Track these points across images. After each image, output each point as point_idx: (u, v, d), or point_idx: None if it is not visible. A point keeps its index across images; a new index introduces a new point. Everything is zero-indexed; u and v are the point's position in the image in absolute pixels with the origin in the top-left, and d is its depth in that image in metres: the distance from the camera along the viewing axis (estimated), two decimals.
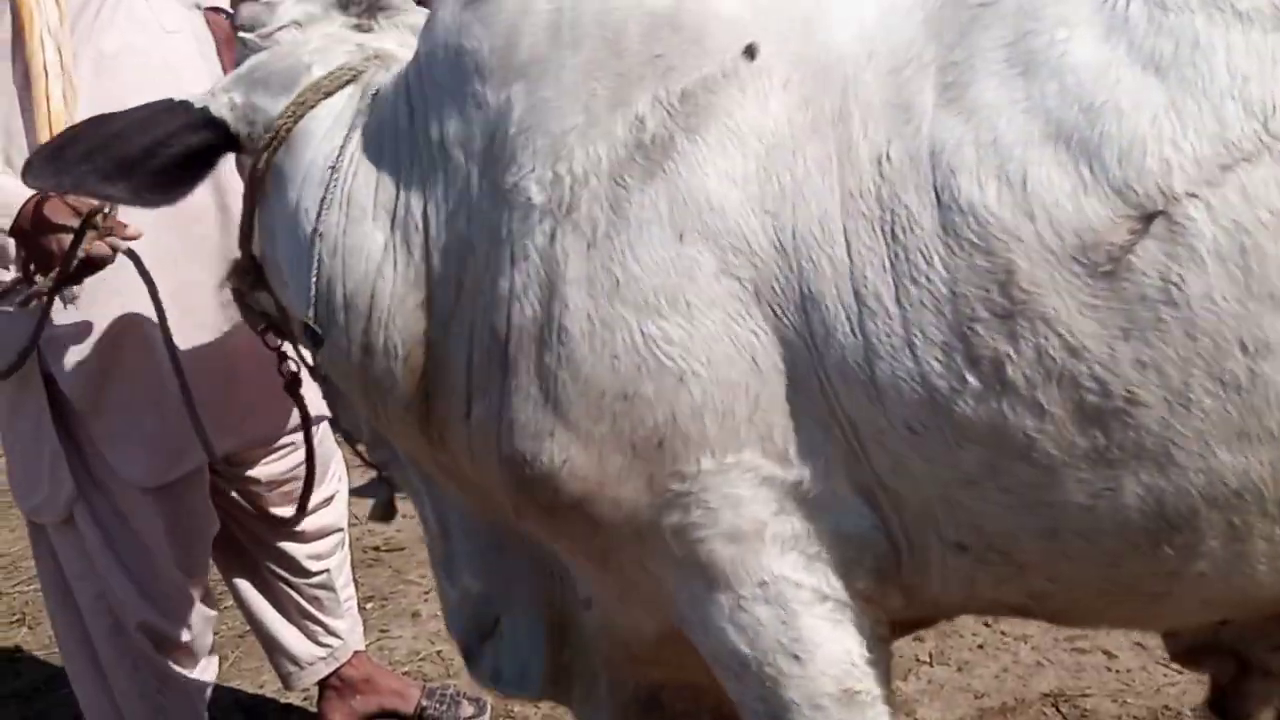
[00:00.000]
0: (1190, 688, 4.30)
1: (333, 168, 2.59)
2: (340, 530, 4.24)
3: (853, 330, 2.20)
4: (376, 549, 5.77)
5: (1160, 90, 2.08)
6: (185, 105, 2.76)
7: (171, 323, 3.35)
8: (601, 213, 2.31)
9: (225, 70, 3.55)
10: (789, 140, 2.26)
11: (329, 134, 2.65)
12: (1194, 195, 2.05)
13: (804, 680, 2.36)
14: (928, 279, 2.15)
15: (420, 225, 2.51)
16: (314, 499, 3.79)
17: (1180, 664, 2.65)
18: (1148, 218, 2.06)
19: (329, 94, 2.69)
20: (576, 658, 2.80)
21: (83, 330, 3.47)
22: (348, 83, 2.71)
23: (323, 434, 3.96)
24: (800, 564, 2.34)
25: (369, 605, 5.29)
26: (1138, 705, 4.32)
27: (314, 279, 2.57)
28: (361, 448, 3.03)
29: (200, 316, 3.52)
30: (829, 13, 2.33)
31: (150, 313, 3.34)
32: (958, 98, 2.18)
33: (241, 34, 2.87)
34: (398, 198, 2.55)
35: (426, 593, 5.33)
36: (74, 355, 3.48)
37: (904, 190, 2.17)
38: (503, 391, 2.40)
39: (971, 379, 2.15)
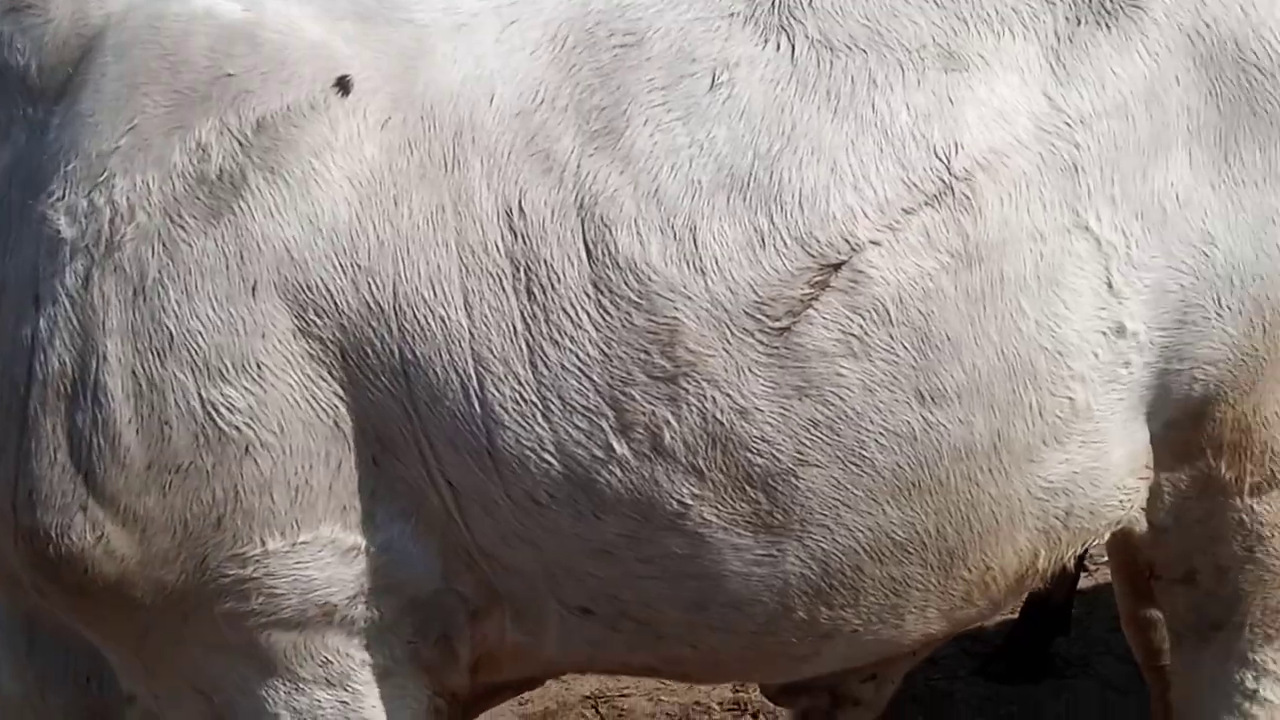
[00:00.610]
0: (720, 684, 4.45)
1: None
2: None
3: (467, 397, 2.01)
4: None
5: (839, 132, 2.04)
6: None
7: None
8: (152, 255, 1.98)
9: None
10: (389, 187, 2.02)
11: None
12: (877, 243, 2.01)
13: None
14: (573, 341, 2.00)
15: None
16: None
17: (775, 702, 2.68)
18: (831, 268, 2.01)
19: None
20: None
21: None
22: None
23: None
24: (366, 642, 2.15)
25: None
26: (671, 703, 4.42)
27: None
28: None
29: None
30: (434, 50, 2.10)
31: None
32: (608, 145, 2.03)
33: None
34: None
35: None
36: None
37: (543, 245, 2.00)
38: (20, 454, 2.03)
39: (620, 447, 2.02)
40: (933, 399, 2.05)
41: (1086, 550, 2.61)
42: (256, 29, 2.06)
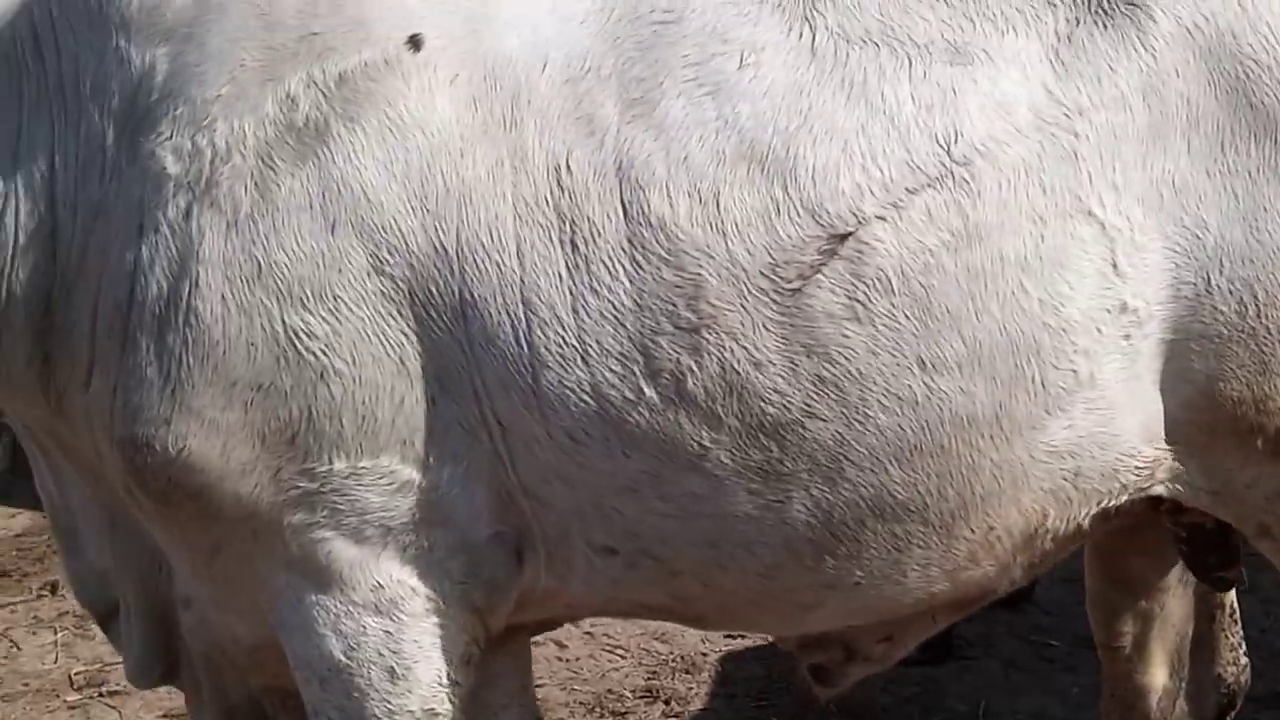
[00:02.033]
0: (632, 671, 4.56)
1: None
2: None
3: (518, 339, 2.20)
4: None
5: (851, 117, 2.22)
6: None
7: None
8: (245, 193, 2.18)
9: None
10: (456, 139, 2.22)
11: None
12: (882, 218, 2.19)
13: (391, 696, 2.34)
14: (609, 290, 2.19)
15: (46, 175, 2.24)
16: None
17: (793, 653, 2.77)
18: (838, 238, 2.19)
19: None
20: (183, 649, 2.60)
21: None
22: None
23: None
24: (419, 572, 2.31)
25: None
26: (584, 691, 4.50)
27: None
28: None
29: None
30: (498, 15, 2.30)
31: None
32: (645, 114, 2.22)
33: None
34: (19, 140, 2.26)
35: None
36: None
37: (586, 202, 2.20)
38: (120, 369, 2.21)
39: (649, 390, 2.20)
40: (934, 367, 2.20)
41: None
42: None
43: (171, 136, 2.18)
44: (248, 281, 2.17)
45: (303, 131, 2.20)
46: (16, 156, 2.26)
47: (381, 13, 2.27)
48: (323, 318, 2.18)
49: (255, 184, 2.18)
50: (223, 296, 2.17)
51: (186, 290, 2.17)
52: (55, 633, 4.60)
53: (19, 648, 4.64)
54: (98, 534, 2.54)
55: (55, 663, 4.57)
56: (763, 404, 2.22)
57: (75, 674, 4.50)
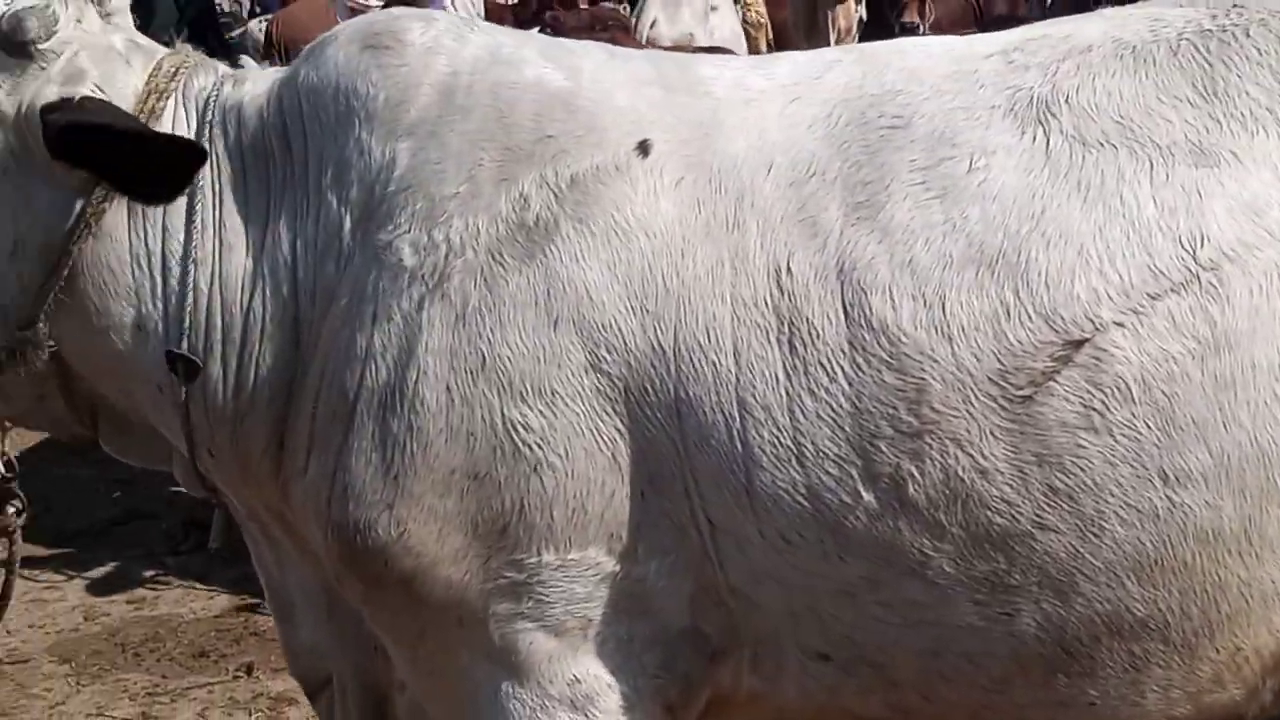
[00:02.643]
0: None
1: (190, 190, 2.34)
2: None
3: (732, 438, 2.19)
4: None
5: (1087, 220, 2.15)
6: None
7: None
8: (474, 288, 2.25)
9: None
10: (679, 240, 2.25)
11: None
12: (1121, 324, 2.11)
13: None
14: (828, 393, 2.16)
15: (289, 262, 2.35)
16: None
17: None
18: (1074, 344, 2.11)
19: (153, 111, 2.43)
20: None
21: None
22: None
23: None
24: (615, 666, 2.30)
25: None
26: None
27: (186, 308, 2.34)
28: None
29: None
30: (725, 120, 2.34)
31: None
32: (869, 217, 2.20)
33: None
34: (267, 228, 2.37)
35: (52, 708, 4.96)
36: None
37: (806, 304, 2.18)
38: (341, 453, 2.28)
39: (867, 495, 2.16)
40: (1177, 480, 2.10)
41: None
42: (573, 96, 2.35)
43: (409, 230, 2.27)
44: (471, 373, 2.23)
45: (532, 230, 2.26)
46: (263, 245, 2.37)
47: (614, 119, 2.34)
48: (540, 411, 2.22)
49: (484, 279, 2.25)
50: (447, 387, 2.23)
51: (414, 378, 2.24)
52: (250, 714, 4.73)
53: None
54: (315, 613, 2.61)
55: None
56: (989, 513, 2.14)
57: None
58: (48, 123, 2.28)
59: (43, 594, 5.73)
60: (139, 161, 2.27)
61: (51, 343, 2.39)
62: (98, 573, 5.87)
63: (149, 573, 5.83)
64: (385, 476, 2.25)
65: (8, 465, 2.60)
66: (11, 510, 2.65)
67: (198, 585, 5.50)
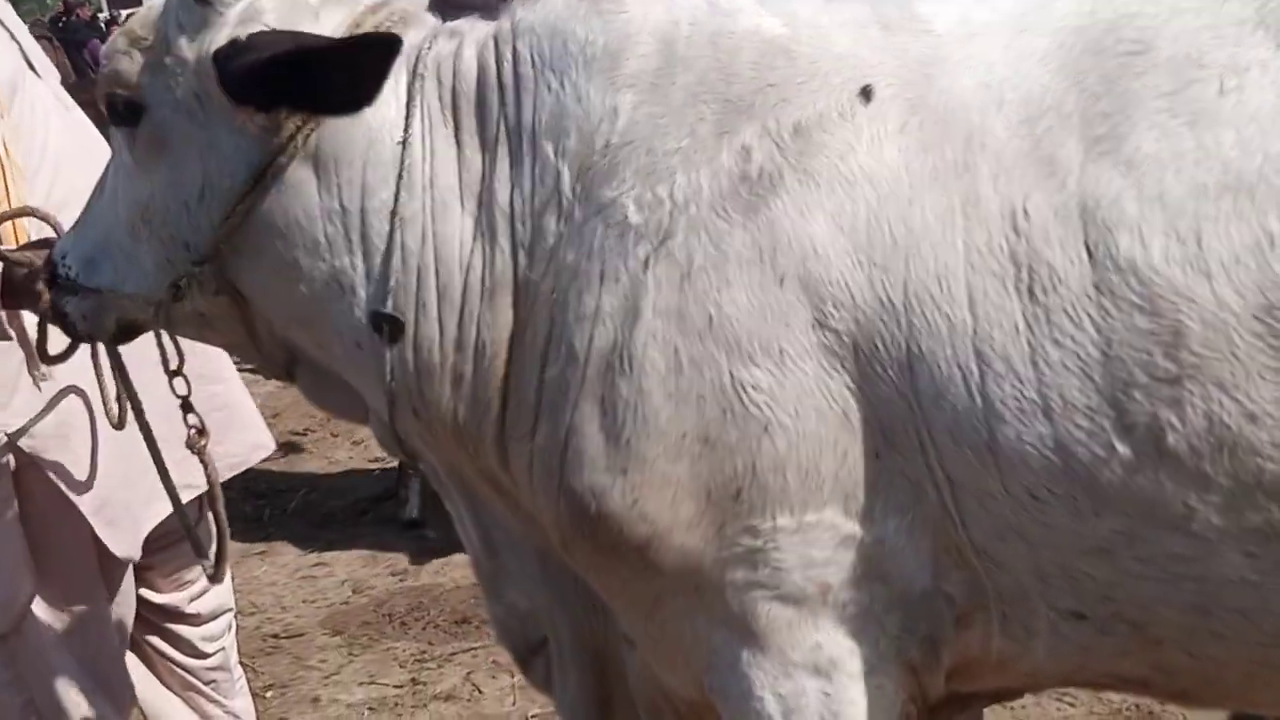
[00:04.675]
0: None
1: (401, 143, 2.32)
2: (230, 610, 4.07)
3: (970, 393, 2.08)
4: (275, 636, 5.51)
5: None
6: None
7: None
8: (699, 245, 2.20)
9: None
10: (905, 189, 2.14)
11: (380, 100, 2.29)
12: None
13: None
14: (1074, 341, 2.03)
15: (507, 214, 2.32)
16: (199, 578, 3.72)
17: None
18: None
19: None
20: (616, 691, 2.65)
21: (65, 407, 3.36)
22: None
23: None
24: (856, 629, 2.24)
25: (269, 694, 5.07)
26: None
27: (393, 267, 2.34)
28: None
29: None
30: (949, 57, 2.22)
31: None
32: (1112, 150, 2.05)
33: None
34: (483, 181, 2.35)
35: (327, 678, 5.16)
36: (58, 431, 3.37)
37: (1046, 247, 2.05)
38: (573, 417, 2.26)
39: (1122, 447, 2.03)
40: None
41: None
42: (792, 43, 2.27)
43: (634, 186, 2.23)
44: (699, 334, 2.18)
45: (755, 183, 2.20)
46: (479, 201, 2.34)
47: (834, 64, 2.25)
48: (768, 370, 2.16)
49: (709, 235, 2.20)
50: (675, 349, 2.19)
51: (643, 340, 2.20)
52: (512, 675, 4.82)
53: (480, 691, 4.92)
54: (528, 575, 2.61)
55: (513, 704, 4.81)
56: (1260, 460, 1.97)
57: (531, 716, 4.72)
58: (220, 67, 2.31)
59: (312, 570, 6.06)
60: (323, 75, 2.24)
61: (218, 285, 2.45)
62: (362, 548, 6.16)
63: (409, 546, 6.08)
64: (618, 442, 2.23)
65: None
66: (193, 429, 2.81)
67: (455, 555, 5.64)
